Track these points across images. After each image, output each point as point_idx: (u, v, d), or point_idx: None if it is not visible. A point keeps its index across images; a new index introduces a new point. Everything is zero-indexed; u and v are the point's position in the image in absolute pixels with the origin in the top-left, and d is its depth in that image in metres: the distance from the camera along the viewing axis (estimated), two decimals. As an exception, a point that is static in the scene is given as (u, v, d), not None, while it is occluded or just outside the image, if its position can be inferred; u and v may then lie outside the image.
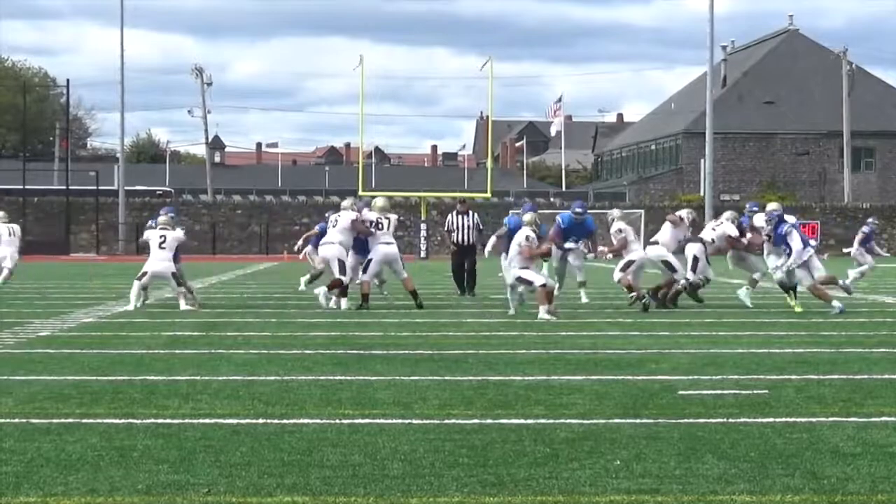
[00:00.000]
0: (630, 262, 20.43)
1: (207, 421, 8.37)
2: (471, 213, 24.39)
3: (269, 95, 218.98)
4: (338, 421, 8.37)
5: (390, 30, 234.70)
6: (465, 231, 23.88)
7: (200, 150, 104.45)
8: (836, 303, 18.88)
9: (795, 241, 19.25)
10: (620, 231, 20.86)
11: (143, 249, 20.81)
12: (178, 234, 20.44)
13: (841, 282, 20.75)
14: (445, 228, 24.56)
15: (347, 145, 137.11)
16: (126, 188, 65.66)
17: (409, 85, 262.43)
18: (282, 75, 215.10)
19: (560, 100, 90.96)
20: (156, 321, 17.32)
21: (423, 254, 54.15)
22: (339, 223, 19.95)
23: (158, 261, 19.83)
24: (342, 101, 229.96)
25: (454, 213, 24.34)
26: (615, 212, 22.42)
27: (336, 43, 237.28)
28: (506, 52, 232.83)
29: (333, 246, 19.82)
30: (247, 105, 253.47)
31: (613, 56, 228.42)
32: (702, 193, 73.48)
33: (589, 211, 22.62)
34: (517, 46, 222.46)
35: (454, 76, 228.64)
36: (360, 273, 20.04)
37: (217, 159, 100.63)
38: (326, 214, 21.96)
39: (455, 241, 23.88)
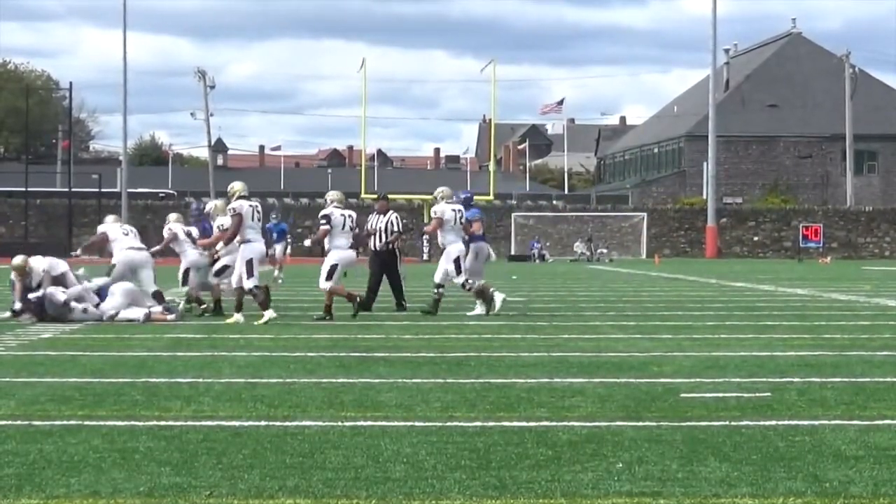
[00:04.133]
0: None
1: (210, 423, 8.37)
2: (389, 213, 20.54)
3: (266, 98, 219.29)
4: (340, 423, 8.37)
5: (386, 32, 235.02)
6: (380, 235, 20.35)
7: (203, 153, 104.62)
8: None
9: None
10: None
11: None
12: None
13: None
14: (369, 227, 20.59)
15: (350, 148, 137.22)
16: (129, 190, 65.72)
17: (407, 88, 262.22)
18: (278, 78, 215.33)
19: (561, 102, 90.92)
20: (158, 323, 17.31)
21: (425, 256, 54.25)
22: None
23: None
24: (340, 103, 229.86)
25: (374, 213, 20.80)
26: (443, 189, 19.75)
27: (332, 45, 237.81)
28: (503, 55, 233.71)
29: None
30: (244, 108, 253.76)
31: (611, 59, 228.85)
32: (704, 196, 73.50)
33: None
34: (515, 49, 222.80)
35: (452, 79, 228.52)
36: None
37: (220, 162, 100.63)
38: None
39: (373, 246, 20.42)
